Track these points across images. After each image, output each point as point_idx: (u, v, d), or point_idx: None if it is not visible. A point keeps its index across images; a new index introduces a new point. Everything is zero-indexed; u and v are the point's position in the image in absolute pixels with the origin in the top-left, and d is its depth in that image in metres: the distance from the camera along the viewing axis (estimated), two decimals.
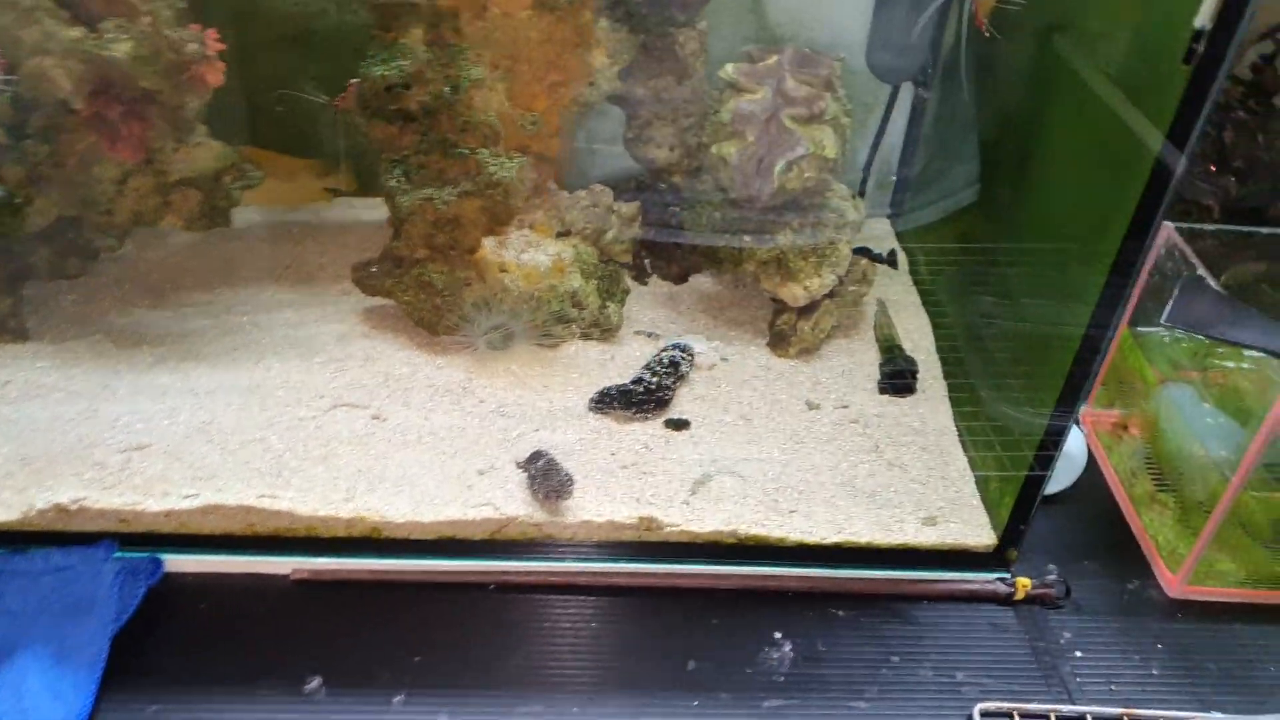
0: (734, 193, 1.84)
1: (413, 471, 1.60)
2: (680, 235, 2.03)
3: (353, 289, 1.89)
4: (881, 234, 2.29)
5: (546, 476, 1.58)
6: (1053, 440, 1.51)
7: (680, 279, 2.11)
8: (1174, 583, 1.64)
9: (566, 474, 1.59)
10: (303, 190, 2.07)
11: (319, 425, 1.67)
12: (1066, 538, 1.73)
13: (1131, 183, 1.27)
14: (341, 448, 1.63)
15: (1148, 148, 1.25)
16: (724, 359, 1.90)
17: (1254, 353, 1.70)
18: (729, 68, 1.80)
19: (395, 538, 1.55)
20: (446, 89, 1.69)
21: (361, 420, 1.69)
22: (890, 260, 2.12)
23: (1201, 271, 1.66)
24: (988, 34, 1.75)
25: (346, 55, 1.74)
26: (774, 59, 1.81)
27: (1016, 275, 1.81)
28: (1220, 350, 1.79)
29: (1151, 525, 1.74)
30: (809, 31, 2.15)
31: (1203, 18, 1.11)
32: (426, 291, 1.80)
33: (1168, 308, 1.53)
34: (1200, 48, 1.12)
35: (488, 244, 1.84)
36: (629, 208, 2.03)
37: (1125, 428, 1.93)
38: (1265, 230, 1.88)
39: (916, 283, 2.14)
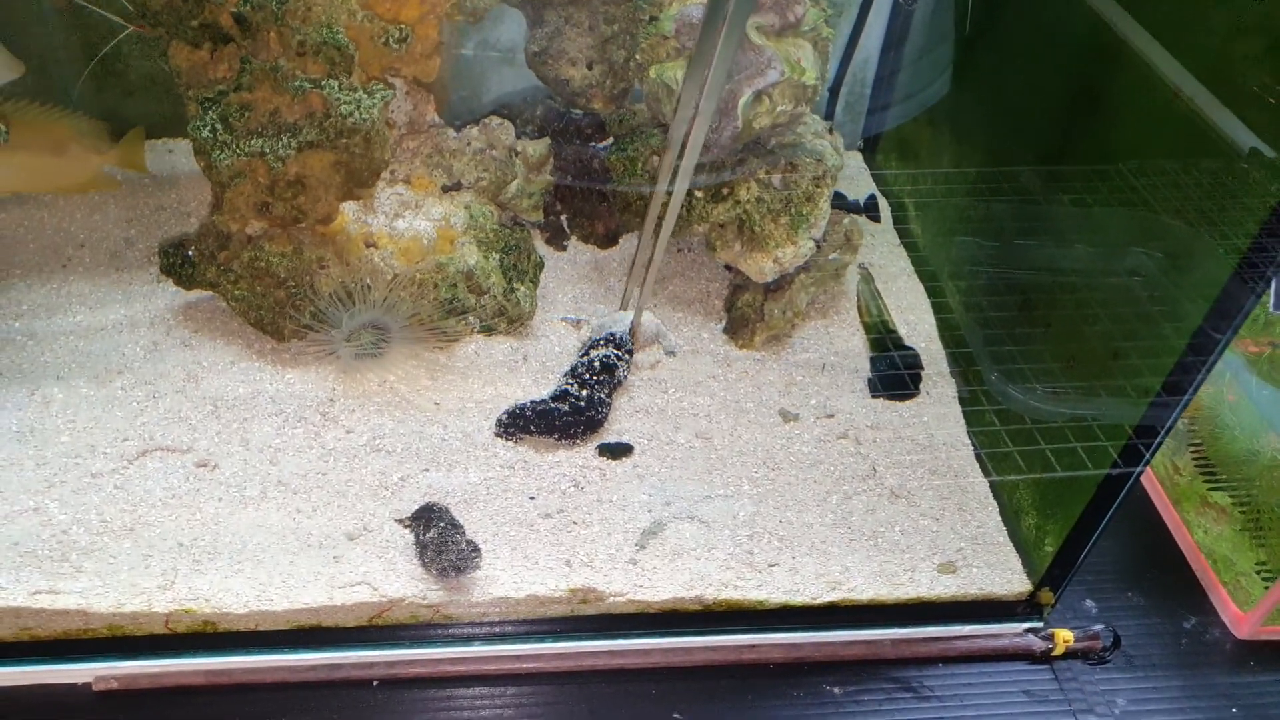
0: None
1: (256, 540, 1.23)
2: (607, 185, 1.57)
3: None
4: (853, 172, 1.85)
5: (441, 550, 1.15)
6: (1140, 444, 1.14)
7: (608, 240, 1.65)
8: (1244, 621, 1.35)
9: (468, 544, 1.17)
10: (73, 170, 1.47)
11: (121, 482, 1.27)
12: (1100, 556, 1.46)
13: None
14: (154, 512, 1.24)
15: None
16: (670, 352, 1.47)
17: None
18: None
19: (236, 630, 1.19)
20: None
21: (182, 470, 1.28)
22: (870, 210, 1.69)
23: None
24: None
25: None
26: None
27: (1062, 215, 1.41)
28: None
29: (1205, 538, 1.43)
30: None
31: None
32: (265, 281, 1.32)
33: (1273, 289, 1.15)
34: None
35: (347, 210, 1.35)
36: (536, 147, 1.55)
37: None
38: None
39: (905, 240, 1.72)
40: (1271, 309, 1.18)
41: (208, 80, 1.24)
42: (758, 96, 1.29)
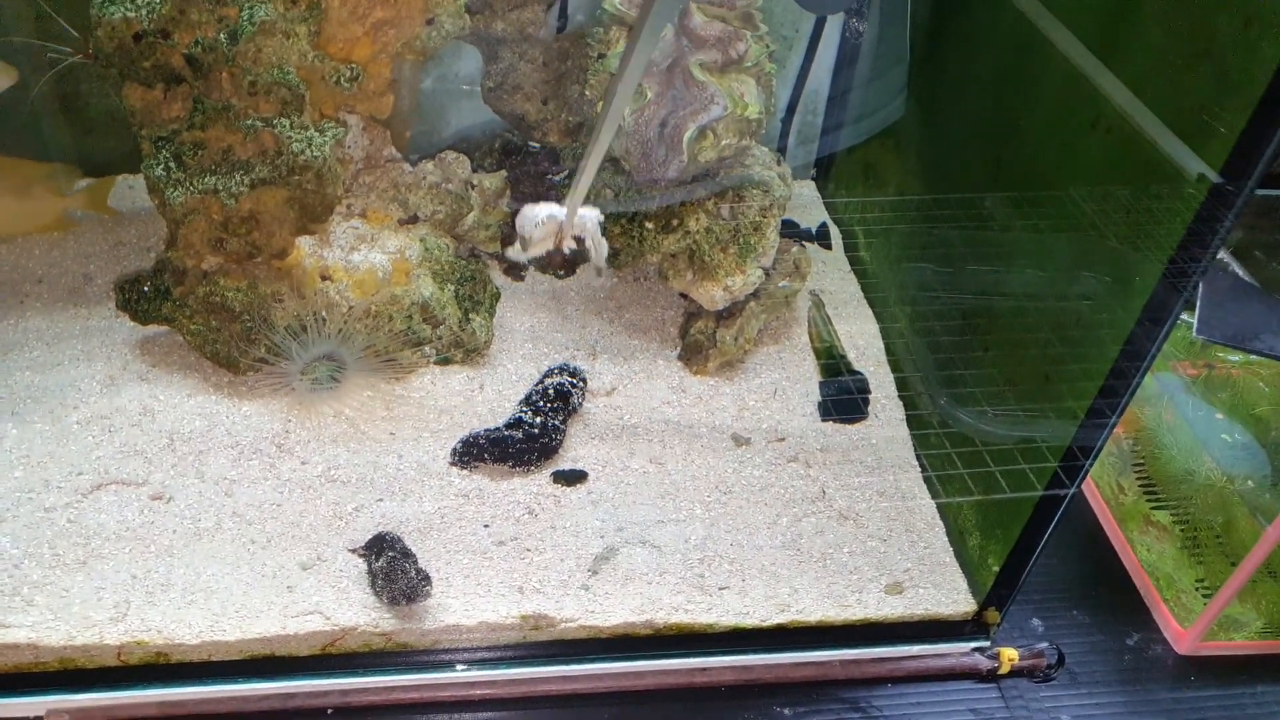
0: (630, 165, 1.40)
1: (210, 572, 1.24)
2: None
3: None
4: (807, 200, 1.89)
5: (391, 578, 1.17)
6: (1074, 463, 1.18)
7: (566, 270, 1.68)
8: (1184, 638, 1.37)
9: (418, 573, 1.18)
10: (35, 212, 1.51)
11: (75, 516, 1.27)
12: (1046, 575, 1.47)
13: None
14: (108, 546, 1.24)
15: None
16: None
17: None
18: None
19: (189, 661, 1.19)
20: (221, 36, 1.19)
21: (136, 503, 1.29)
22: (822, 238, 1.73)
23: (1224, 255, 1.33)
24: None
25: None
26: None
27: (1005, 240, 1.45)
28: None
29: (1147, 556, 1.46)
30: None
31: None
32: (221, 316, 1.33)
33: (1196, 314, 1.19)
34: None
35: (303, 244, 1.37)
36: (493, 179, 1.58)
37: None
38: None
39: (855, 266, 1.76)
40: (1194, 334, 1.22)
41: (161, 120, 1.26)
42: (702, 131, 1.33)
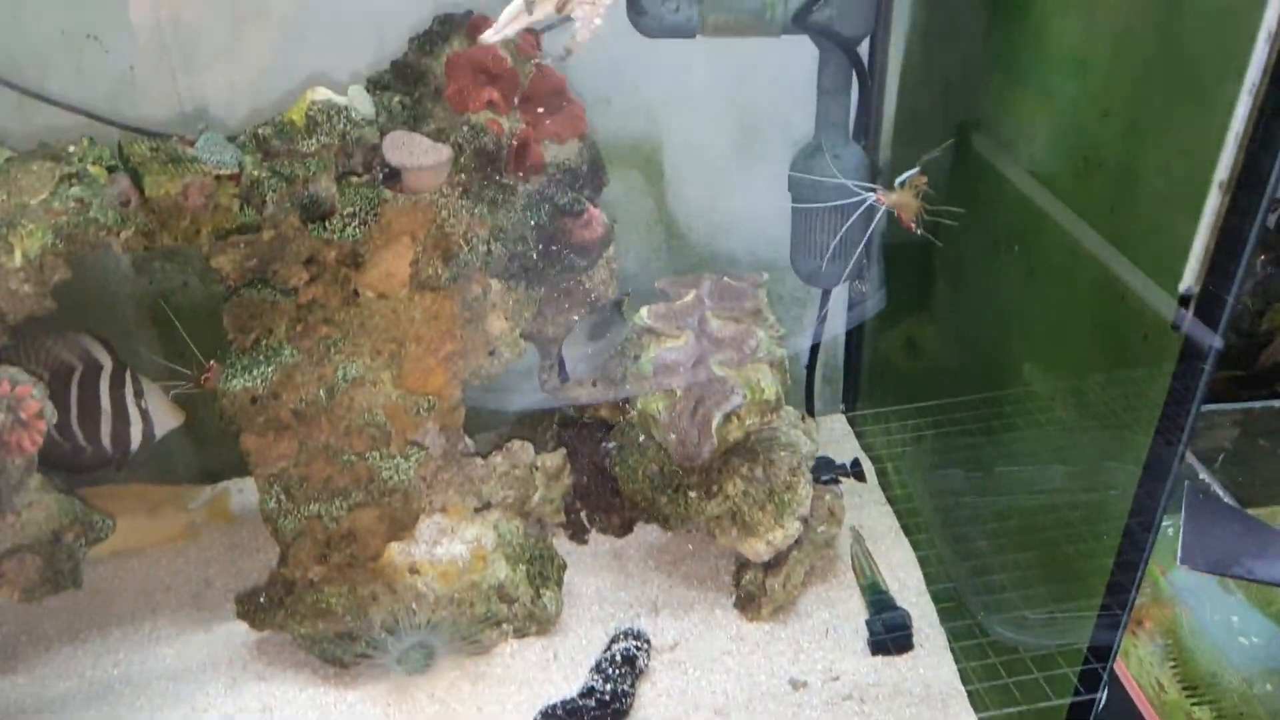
0: (669, 447, 1.60)
1: None
2: (616, 482, 1.79)
3: None
4: (839, 434, 2.06)
5: None
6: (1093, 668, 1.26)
7: (624, 529, 1.85)
8: None
9: None
10: (165, 526, 1.78)
11: None
12: None
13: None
14: None
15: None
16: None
17: None
18: (644, 313, 1.59)
19: None
20: (321, 392, 1.44)
21: None
22: (856, 472, 1.89)
23: (1205, 476, 1.45)
24: (919, 234, 1.58)
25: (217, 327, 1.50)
26: (691, 294, 1.60)
27: (1038, 437, 1.57)
28: None
29: None
30: (725, 238, 1.98)
31: (1188, 281, 0.91)
32: (325, 619, 1.52)
33: (1180, 544, 1.31)
34: (1189, 314, 0.93)
35: (393, 545, 1.57)
36: (553, 459, 1.78)
37: (1140, 623, 1.70)
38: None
39: (890, 499, 1.90)
40: (1178, 564, 1.32)
41: (271, 459, 1.50)
42: (727, 417, 1.53)
